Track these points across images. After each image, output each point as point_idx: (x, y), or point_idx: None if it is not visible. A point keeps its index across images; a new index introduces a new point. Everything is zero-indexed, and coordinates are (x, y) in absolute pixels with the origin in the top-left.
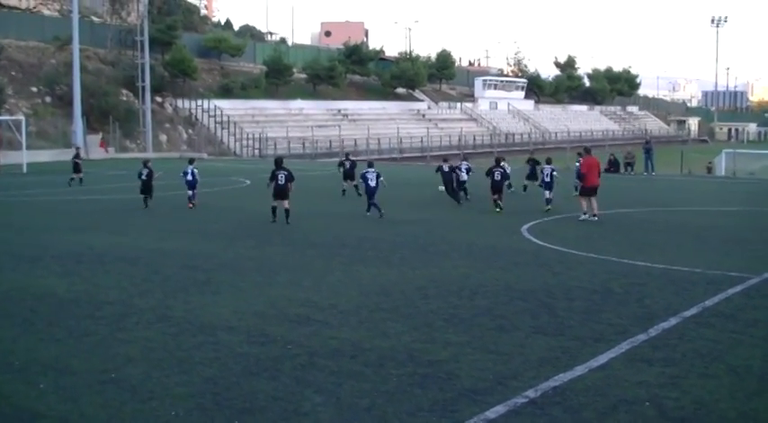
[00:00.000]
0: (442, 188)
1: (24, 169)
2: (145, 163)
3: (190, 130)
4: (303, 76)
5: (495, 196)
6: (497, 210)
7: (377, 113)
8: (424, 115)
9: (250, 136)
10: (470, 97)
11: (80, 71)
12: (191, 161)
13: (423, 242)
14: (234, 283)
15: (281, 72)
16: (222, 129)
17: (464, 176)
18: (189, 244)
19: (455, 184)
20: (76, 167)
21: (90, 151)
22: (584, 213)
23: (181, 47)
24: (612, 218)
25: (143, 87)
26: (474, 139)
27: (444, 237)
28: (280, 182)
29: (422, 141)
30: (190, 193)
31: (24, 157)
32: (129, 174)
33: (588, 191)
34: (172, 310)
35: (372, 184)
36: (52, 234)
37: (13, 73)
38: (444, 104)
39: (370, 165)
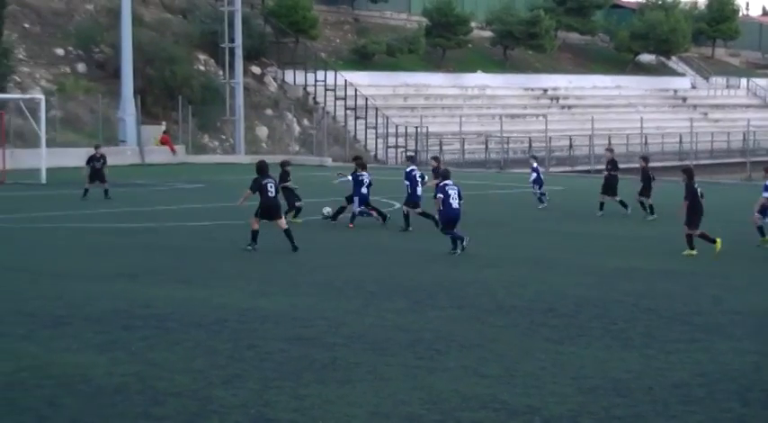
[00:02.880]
0: None
1: (43, 178)
2: (283, 164)
3: (305, 120)
4: (487, 33)
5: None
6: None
7: (607, 95)
8: (685, 99)
9: (401, 130)
10: (766, 68)
11: (132, 23)
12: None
13: (683, 308)
14: (374, 367)
15: (452, 27)
16: (357, 118)
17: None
18: (304, 302)
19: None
20: (97, 174)
21: (146, 152)
22: None
23: None
24: None
25: (232, 51)
26: None
27: (719, 299)
28: (270, 194)
29: (680, 141)
30: (358, 209)
31: (43, 158)
32: (208, 188)
33: None
34: (273, 408)
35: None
36: (86, 282)
37: (27, 25)
38: (720, 81)
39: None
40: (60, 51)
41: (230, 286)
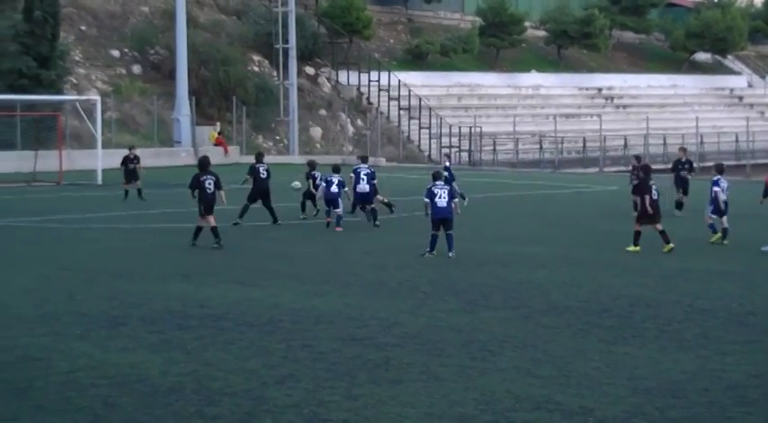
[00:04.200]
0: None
1: (99, 178)
2: (335, 168)
3: (359, 121)
4: (541, 33)
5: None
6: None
7: (662, 94)
8: (741, 98)
9: (455, 130)
10: None
11: (187, 25)
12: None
13: (737, 309)
14: (427, 367)
15: (506, 27)
16: (410, 118)
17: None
18: (357, 302)
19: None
20: (131, 174)
21: (201, 153)
22: None
23: None
24: None
25: (286, 52)
26: None
27: None
28: (208, 191)
29: (736, 140)
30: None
31: (99, 159)
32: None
33: None
34: (327, 408)
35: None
36: (141, 283)
37: (84, 28)
38: None
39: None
40: (116, 53)
41: (283, 286)
